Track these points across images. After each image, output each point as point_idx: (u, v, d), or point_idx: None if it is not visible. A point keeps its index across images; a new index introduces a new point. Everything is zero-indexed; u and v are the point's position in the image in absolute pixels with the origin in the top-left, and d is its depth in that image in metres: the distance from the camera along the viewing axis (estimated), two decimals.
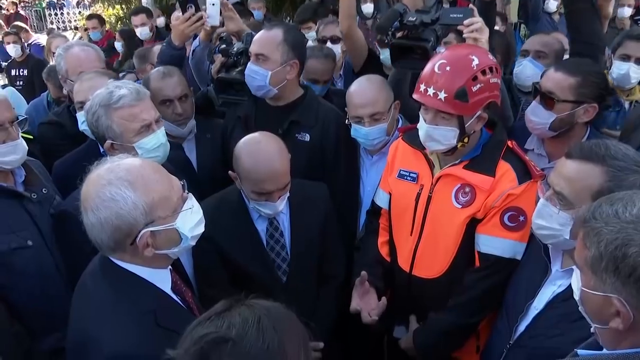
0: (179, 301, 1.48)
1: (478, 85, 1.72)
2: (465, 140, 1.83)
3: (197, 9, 2.61)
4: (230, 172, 2.03)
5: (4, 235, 1.90)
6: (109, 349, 1.24)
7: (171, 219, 1.36)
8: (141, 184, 1.31)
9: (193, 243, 1.47)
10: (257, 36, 2.39)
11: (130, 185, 1.29)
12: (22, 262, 1.92)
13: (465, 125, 1.77)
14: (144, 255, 1.34)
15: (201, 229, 1.49)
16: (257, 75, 2.34)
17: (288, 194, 2.01)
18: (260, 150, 1.91)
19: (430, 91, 1.74)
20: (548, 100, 2.09)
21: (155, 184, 1.34)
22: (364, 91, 2.26)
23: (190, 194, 1.47)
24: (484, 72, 1.73)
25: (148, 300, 1.36)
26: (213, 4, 2.62)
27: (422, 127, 1.84)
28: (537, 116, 2.14)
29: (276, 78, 2.35)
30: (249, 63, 2.36)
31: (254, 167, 1.90)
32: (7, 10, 13.09)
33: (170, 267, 1.50)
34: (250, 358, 0.90)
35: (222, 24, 2.77)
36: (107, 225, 1.29)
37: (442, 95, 1.71)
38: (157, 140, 2.00)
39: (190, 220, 1.42)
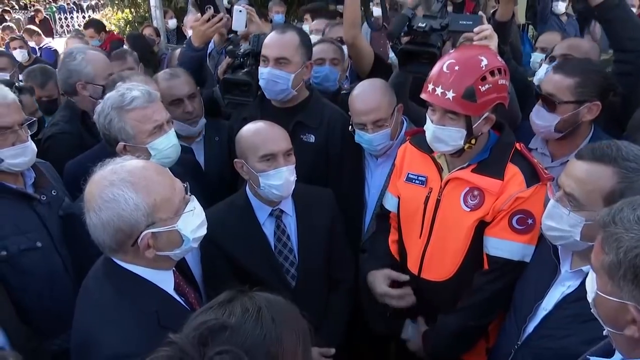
0: (182, 302, 1.49)
1: (486, 86, 1.71)
2: (473, 141, 1.81)
3: (216, 10, 2.63)
4: (235, 160, 2.04)
5: (14, 237, 1.91)
6: (110, 350, 1.25)
7: (173, 221, 1.37)
8: (143, 186, 1.32)
9: (195, 245, 1.47)
10: (273, 40, 2.37)
11: (133, 187, 1.30)
12: (31, 263, 1.94)
13: (473, 127, 1.76)
14: (146, 257, 1.35)
15: (203, 231, 1.49)
16: (279, 80, 2.34)
17: (295, 175, 2.02)
18: (256, 123, 2.08)
19: (439, 90, 1.73)
20: (550, 102, 2.10)
21: (157, 185, 1.35)
22: (367, 97, 2.25)
23: (193, 196, 1.47)
24: (492, 73, 1.72)
25: (150, 301, 1.37)
26: (240, 11, 2.70)
27: (429, 127, 1.83)
28: (541, 119, 2.15)
29: (296, 80, 2.37)
30: (267, 68, 2.34)
31: (255, 134, 2.00)
32: (36, 15, 13.13)
33: (174, 268, 1.51)
34: (246, 346, 0.91)
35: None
36: (108, 226, 1.30)
37: (450, 94, 1.71)
38: (169, 141, 2.02)
39: (192, 222, 1.42)
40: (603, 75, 2.11)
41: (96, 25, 6.71)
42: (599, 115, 2.10)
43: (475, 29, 1.97)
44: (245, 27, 2.80)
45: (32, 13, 13.14)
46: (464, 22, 2.01)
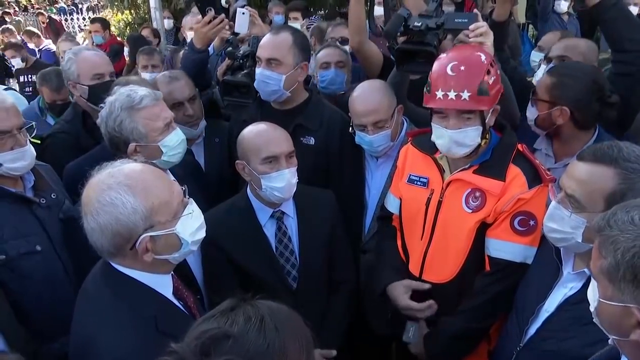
0: (180, 306, 1.48)
1: (492, 78, 1.76)
2: (487, 136, 1.84)
3: (217, 12, 2.63)
4: (237, 162, 2.04)
5: (13, 241, 1.90)
6: (108, 354, 1.24)
7: (171, 224, 1.36)
8: (141, 189, 1.31)
9: (194, 248, 1.46)
10: (266, 41, 2.38)
11: (130, 190, 1.29)
12: (30, 266, 1.93)
13: (486, 120, 1.78)
14: (144, 261, 1.34)
15: (202, 234, 1.48)
16: (270, 80, 2.34)
17: (296, 177, 2.01)
18: (259, 124, 2.06)
19: (452, 94, 1.72)
20: (533, 97, 2.19)
21: (155, 189, 1.34)
22: (367, 99, 2.24)
23: (191, 199, 1.46)
24: (492, 65, 1.78)
25: (148, 306, 1.36)
26: (243, 13, 2.69)
27: (444, 135, 1.79)
28: (529, 111, 2.23)
29: (289, 81, 2.36)
30: (260, 69, 2.35)
31: (257, 136, 1.99)
32: (43, 22, 13.06)
33: (172, 272, 1.50)
34: (249, 356, 0.90)
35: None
36: (106, 229, 1.29)
37: (465, 95, 1.71)
38: (178, 136, 2.05)
39: (191, 225, 1.42)
40: (585, 83, 2.08)
41: (103, 22, 6.79)
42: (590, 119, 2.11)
43: (471, 27, 1.98)
44: (248, 29, 2.80)
45: (46, 21, 13.01)
46: (460, 20, 2.02)
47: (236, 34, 2.78)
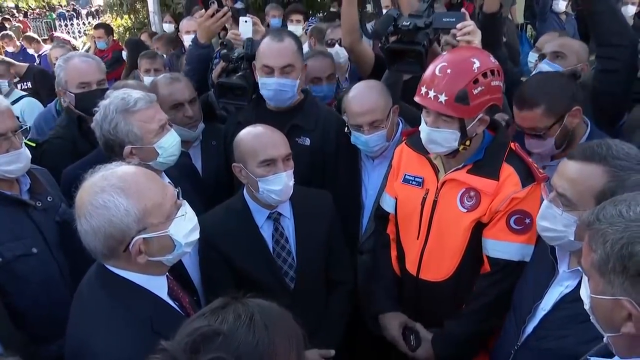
0: (176, 307, 1.48)
1: (479, 88, 1.71)
2: (467, 143, 1.81)
3: (220, 5, 2.63)
4: (233, 164, 2.04)
5: (9, 243, 1.92)
6: (104, 356, 1.25)
7: (164, 226, 1.36)
8: (134, 191, 1.31)
9: (188, 250, 1.46)
10: (273, 49, 2.33)
11: (123, 192, 1.30)
12: (26, 269, 1.94)
13: (467, 128, 1.76)
14: (138, 262, 1.34)
15: (195, 235, 1.49)
16: (287, 88, 2.35)
17: (293, 179, 2.01)
18: (256, 127, 2.06)
19: (431, 94, 1.73)
20: (536, 135, 2.07)
21: (148, 191, 1.34)
22: (363, 99, 2.25)
23: (185, 201, 1.47)
24: (485, 75, 1.73)
25: (144, 307, 1.36)
26: (246, 21, 2.70)
27: (424, 129, 1.83)
28: (539, 147, 2.11)
29: (300, 85, 2.40)
30: (273, 78, 2.32)
31: (254, 138, 1.99)
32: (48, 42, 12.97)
33: (167, 273, 1.50)
34: (238, 353, 0.90)
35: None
36: (99, 232, 1.29)
37: (442, 98, 1.71)
38: (173, 138, 2.06)
39: (184, 227, 1.42)
40: (564, 84, 2.07)
41: (106, 27, 6.80)
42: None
43: (458, 26, 1.99)
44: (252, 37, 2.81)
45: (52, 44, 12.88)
46: (447, 20, 2.04)
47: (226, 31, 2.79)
